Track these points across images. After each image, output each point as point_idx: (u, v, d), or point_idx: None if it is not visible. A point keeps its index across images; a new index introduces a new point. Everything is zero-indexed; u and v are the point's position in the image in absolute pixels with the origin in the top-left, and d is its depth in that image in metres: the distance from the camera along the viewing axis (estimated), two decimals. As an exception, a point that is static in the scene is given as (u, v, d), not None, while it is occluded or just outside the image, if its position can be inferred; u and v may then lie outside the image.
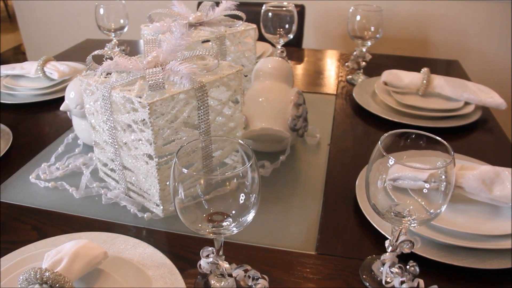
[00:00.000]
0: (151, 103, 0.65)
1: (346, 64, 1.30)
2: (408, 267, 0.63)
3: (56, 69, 1.16)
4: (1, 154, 0.91)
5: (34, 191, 0.83)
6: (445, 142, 0.58)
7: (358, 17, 1.18)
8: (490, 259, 0.66)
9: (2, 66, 1.23)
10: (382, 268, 0.64)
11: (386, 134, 0.60)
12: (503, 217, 0.73)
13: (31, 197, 0.82)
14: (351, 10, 1.20)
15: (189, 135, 0.74)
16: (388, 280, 0.63)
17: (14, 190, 0.83)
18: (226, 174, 0.53)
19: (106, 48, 1.29)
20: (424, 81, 1.07)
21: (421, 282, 0.61)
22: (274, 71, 0.93)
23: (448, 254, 0.67)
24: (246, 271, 0.60)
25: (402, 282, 0.61)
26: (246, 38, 1.03)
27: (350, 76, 1.30)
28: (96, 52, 0.78)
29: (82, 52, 1.60)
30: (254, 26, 1.00)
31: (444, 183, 0.58)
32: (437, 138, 0.59)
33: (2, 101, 1.16)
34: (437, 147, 0.60)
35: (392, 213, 0.60)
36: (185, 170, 0.52)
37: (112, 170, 0.82)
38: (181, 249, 0.70)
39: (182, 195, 0.54)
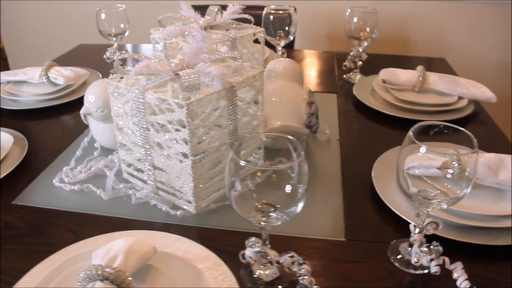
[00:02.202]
0: (189, 104, 0.68)
1: (344, 64, 1.36)
2: (431, 247, 0.69)
3: (61, 74, 1.17)
4: (20, 160, 0.91)
5: (60, 195, 0.84)
6: (468, 132, 0.63)
7: (355, 19, 1.25)
8: (502, 237, 0.72)
9: (2, 72, 1.23)
10: (409, 249, 0.70)
11: (415, 125, 0.65)
12: (506, 199, 0.80)
13: (59, 200, 0.83)
14: (348, 12, 1.26)
15: (219, 134, 0.77)
16: (415, 259, 0.68)
17: (39, 194, 0.84)
18: (280, 166, 0.56)
19: (107, 53, 1.31)
20: (420, 78, 1.15)
21: (447, 259, 0.67)
22: (286, 71, 0.98)
23: (465, 234, 0.73)
24: (291, 257, 0.64)
25: (431, 260, 0.66)
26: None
27: (347, 75, 1.36)
28: (120, 56, 0.80)
29: (77, 57, 1.60)
30: (263, 29, 1.04)
31: (458, 170, 0.64)
32: (460, 128, 0.64)
33: (6, 107, 1.16)
34: (457, 138, 0.65)
35: (420, 196, 0.66)
36: (243, 163, 0.55)
37: (138, 170, 0.85)
38: (216, 242, 0.73)
39: (239, 187, 0.57)
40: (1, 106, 1.16)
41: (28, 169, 0.92)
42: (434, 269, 0.66)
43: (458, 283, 0.65)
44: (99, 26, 1.29)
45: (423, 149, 0.62)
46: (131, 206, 0.82)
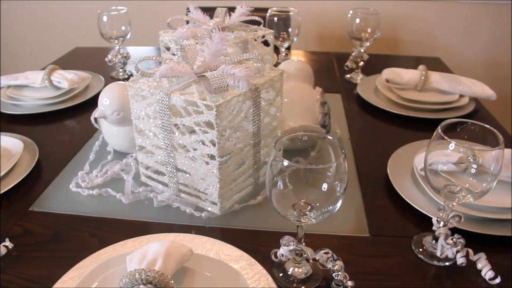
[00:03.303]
0: (218, 105, 0.68)
1: (346, 64, 1.38)
2: (455, 239, 0.71)
3: (65, 78, 1.15)
4: (33, 165, 0.90)
5: (78, 200, 0.84)
6: (494, 129, 0.65)
7: (357, 20, 1.27)
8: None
9: (2, 76, 1.20)
10: (433, 242, 0.72)
11: (444, 122, 0.67)
12: (520, 192, 0.83)
13: (78, 205, 0.82)
14: (350, 13, 1.29)
15: (243, 135, 0.78)
16: (441, 252, 0.70)
17: (56, 200, 0.83)
18: (323, 165, 0.57)
19: (109, 56, 1.30)
20: (422, 77, 1.18)
21: (470, 251, 0.69)
22: (298, 72, 0.99)
23: (483, 226, 0.75)
24: (326, 253, 0.65)
25: (457, 252, 0.69)
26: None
27: (349, 75, 1.39)
28: (144, 58, 0.80)
29: (74, 60, 1.58)
30: (272, 31, 1.05)
31: (475, 165, 0.67)
32: (486, 126, 0.66)
33: (7, 112, 1.13)
34: (482, 135, 0.67)
35: (446, 190, 0.68)
36: (286, 162, 0.56)
37: (159, 173, 0.84)
38: (243, 242, 0.73)
39: (281, 187, 0.58)
40: (2, 111, 1.14)
41: (41, 175, 0.90)
42: (461, 260, 0.68)
43: (483, 273, 0.67)
44: (100, 28, 1.28)
45: (452, 145, 0.64)
46: (153, 209, 0.81)
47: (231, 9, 1.06)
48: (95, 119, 0.97)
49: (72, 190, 0.85)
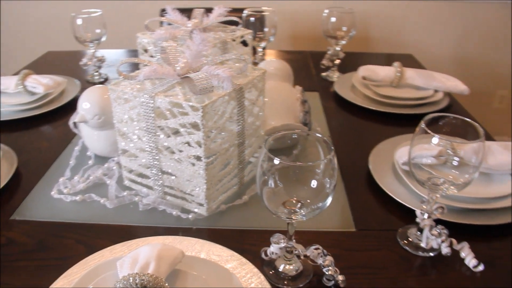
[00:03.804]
0: (204, 106, 0.68)
1: (322, 62, 1.40)
2: (439, 230, 0.73)
3: (40, 83, 1.13)
4: (12, 173, 0.87)
5: (61, 206, 0.82)
6: (475, 123, 0.67)
7: (332, 19, 1.29)
8: (498, 216, 0.78)
9: (-27, 83, 1.17)
10: (418, 234, 0.74)
11: (426, 117, 0.69)
12: (497, 182, 0.86)
13: (61, 212, 0.81)
14: (326, 12, 1.31)
15: (228, 135, 0.78)
16: (426, 243, 0.72)
17: (38, 208, 0.81)
18: (313, 163, 0.58)
19: (84, 60, 1.27)
20: (398, 74, 1.21)
21: (454, 241, 0.71)
22: (278, 71, 1.00)
23: (463, 216, 0.78)
24: (316, 249, 0.66)
25: (442, 242, 0.71)
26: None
27: (325, 74, 1.41)
28: (125, 61, 0.79)
29: (47, 65, 1.54)
30: (250, 31, 1.05)
31: (457, 157, 0.69)
32: (466, 119, 0.69)
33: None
34: (463, 128, 0.69)
35: (429, 183, 0.70)
36: (277, 160, 0.57)
37: (143, 176, 0.84)
38: (232, 242, 0.73)
39: (272, 185, 0.59)
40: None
41: (21, 183, 0.88)
42: (445, 250, 0.70)
43: (466, 261, 0.70)
44: (74, 32, 1.26)
45: (435, 139, 0.66)
46: (138, 213, 0.81)
47: (207, 10, 1.06)
48: (74, 123, 0.95)
49: (54, 197, 0.83)
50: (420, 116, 1.12)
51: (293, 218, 0.61)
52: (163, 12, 1.68)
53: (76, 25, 1.25)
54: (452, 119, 0.69)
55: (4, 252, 0.71)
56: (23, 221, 0.78)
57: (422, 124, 0.67)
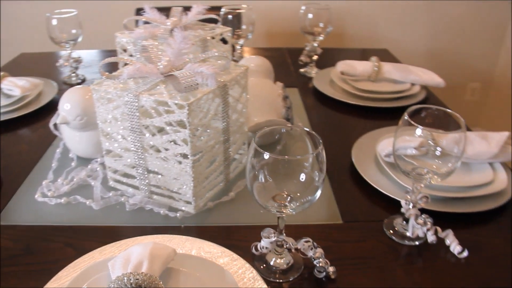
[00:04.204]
0: (190, 104, 0.68)
1: (300, 58, 1.41)
2: (424, 219, 0.75)
3: (16, 85, 1.11)
4: (-7, 178, 0.86)
5: (46, 210, 0.81)
6: (456, 113, 0.69)
7: (310, 15, 1.31)
8: (478, 204, 0.80)
9: None
10: (404, 223, 0.75)
11: (409, 109, 0.70)
12: (476, 171, 0.88)
13: (47, 215, 0.79)
14: (303, 9, 1.32)
15: (214, 132, 0.78)
16: (412, 232, 0.74)
17: (23, 212, 0.80)
18: (302, 156, 0.59)
19: (61, 61, 1.25)
20: (375, 68, 1.23)
21: (439, 229, 0.73)
22: (258, 68, 1.01)
23: (446, 205, 0.80)
24: (306, 242, 0.67)
25: (427, 230, 0.73)
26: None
27: (303, 69, 1.42)
28: (107, 60, 0.78)
29: (20, 67, 1.51)
30: (230, 28, 1.05)
31: (439, 148, 0.71)
32: (448, 110, 0.70)
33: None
34: (445, 119, 0.71)
35: (414, 173, 0.72)
36: (267, 155, 0.57)
37: (128, 176, 0.83)
38: (221, 239, 0.74)
39: (262, 180, 0.59)
40: None
41: (2, 187, 0.86)
42: (431, 238, 0.72)
43: (451, 248, 0.72)
44: (50, 33, 1.23)
45: (419, 130, 0.67)
46: (125, 213, 0.80)
47: (185, 9, 1.06)
48: (55, 125, 0.94)
49: (38, 200, 0.82)
50: (399, 109, 1.17)
51: (283, 211, 0.62)
52: (139, 11, 1.66)
53: (51, 25, 1.22)
54: (435, 110, 0.71)
55: (-9, 258, 0.70)
56: (7, 226, 0.77)
57: (406, 116, 0.69)
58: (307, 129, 0.63)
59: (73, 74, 1.33)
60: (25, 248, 0.72)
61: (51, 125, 0.94)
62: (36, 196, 0.83)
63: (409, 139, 0.75)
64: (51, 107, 1.17)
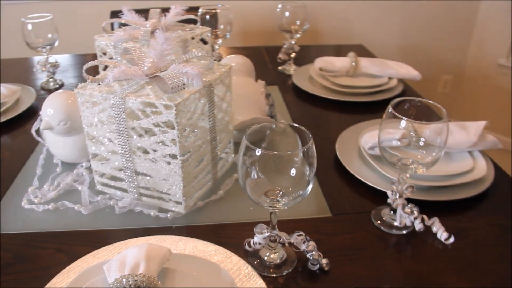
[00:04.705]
0: (177, 104, 0.69)
1: (278, 56, 1.43)
2: (411, 208, 0.77)
3: (-7, 93, 1.08)
4: (-25, 187, 0.84)
5: (34, 217, 0.79)
6: (438, 104, 0.72)
7: (286, 13, 1.32)
8: (461, 191, 0.83)
9: None
10: (391, 213, 0.77)
11: (394, 101, 0.72)
12: (456, 160, 0.91)
13: (35, 222, 0.78)
14: (279, 7, 1.34)
15: (201, 131, 0.79)
16: (399, 221, 0.76)
17: (9, 220, 0.78)
18: (293, 151, 0.60)
19: (38, 66, 1.23)
20: (353, 64, 1.25)
21: (425, 217, 0.76)
22: (240, 67, 1.01)
23: (430, 194, 0.82)
24: (299, 236, 0.68)
25: (415, 219, 0.75)
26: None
27: (282, 67, 1.43)
28: (90, 64, 0.78)
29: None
30: (209, 28, 1.06)
31: (422, 138, 0.73)
32: (430, 101, 0.73)
33: None
34: (428, 110, 0.73)
35: (400, 163, 0.74)
36: (259, 151, 0.58)
37: (116, 179, 0.83)
38: (213, 237, 0.74)
39: (254, 176, 0.60)
40: None
41: (-15, 196, 0.85)
42: (419, 226, 0.74)
43: (438, 235, 0.74)
44: (25, 38, 1.21)
45: (403, 122, 0.69)
46: (115, 216, 0.80)
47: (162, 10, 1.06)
48: (37, 131, 0.93)
49: (25, 207, 0.81)
50: (378, 103, 1.19)
51: (276, 206, 0.63)
52: (114, 15, 1.65)
53: (27, 30, 1.20)
54: (417, 102, 0.73)
55: (-21, 269, 0.69)
56: (-6, 235, 0.76)
57: (390, 109, 0.71)
58: (297, 125, 0.64)
59: (51, 79, 1.31)
60: (14, 256, 0.71)
61: (33, 131, 0.93)
62: (22, 203, 0.82)
63: (393, 131, 0.78)
64: (30, 113, 1.16)
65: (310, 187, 0.62)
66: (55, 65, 1.30)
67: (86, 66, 0.77)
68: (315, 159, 0.61)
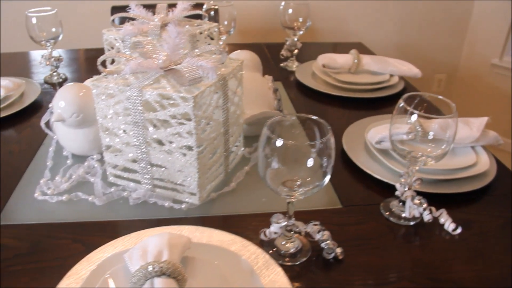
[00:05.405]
0: (195, 96, 0.70)
1: (281, 53, 1.45)
2: (420, 200, 0.79)
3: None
4: (-13, 179, 0.84)
5: (47, 208, 0.80)
6: (447, 99, 0.74)
7: (289, 10, 1.34)
8: (465, 185, 0.85)
9: None
10: (400, 205, 0.80)
11: (404, 96, 0.74)
12: (460, 154, 0.94)
13: (48, 213, 0.79)
14: (282, 4, 1.36)
15: (215, 124, 0.80)
16: (408, 212, 0.78)
17: (23, 211, 0.79)
18: (312, 142, 0.62)
19: (41, 59, 1.23)
20: (355, 61, 1.28)
21: (433, 208, 0.78)
22: (248, 62, 1.03)
23: (436, 187, 0.85)
24: (315, 225, 0.70)
25: (424, 210, 0.77)
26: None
27: (284, 64, 1.45)
28: (104, 57, 0.78)
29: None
30: (217, 24, 1.07)
31: (423, 132, 0.76)
32: (439, 97, 0.75)
33: None
34: (436, 105, 0.76)
35: (410, 156, 0.76)
36: (280, 142, 0.59)
37: (130, 171, 0.83)
38: (227, 228, 0.75)
39: (275, 166, 0.61)
40: None
41: (-3, 187, 0.85)
42: (427, 217, 0.77)
43: (445, 226, 0.76)
44: (29, 31, 1.21)
45: (414, 116, 0.71)
46: (129, 207, 0.81)
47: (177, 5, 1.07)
48: (46, 124, 0.93)
49: (38, 199, 0.81)
50: (379, 99, 1.22)
51: (294, 195, 0.64)
52: (114, 10, 1.65)
53: (31, 24, 1.20)
54: (427, 97, 0.75)
55: (-2, 258, 0.69)
56: (10, 226, 0.76)
57: (401, 103, 0.73)
58: (315, 117, 0.65)
59: (55, 73, 1.31)
60: (32, 246, 0.71)
61: (42, 123, 0.93)
62: (35, 195, 0.82)
63: (399, 126, 0.80)
64: (36, 106, 1.16)
65: (327, 178, 0.64)
66: (59, 59, 1.30)
67: (100, 59, 0.78)
68: (334, 150, 0.63)
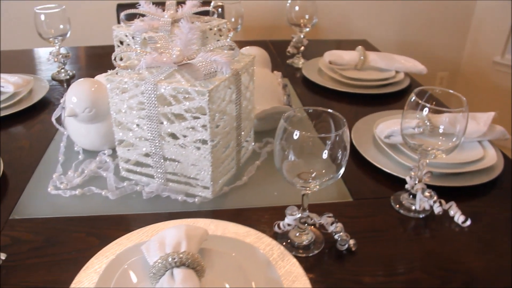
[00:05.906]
0: (210, 90, 0.71)
1: (287, 50, 1.46)
2: (430, 193, 0.80)
3: (8, 81, 1.09)
4: (0, 174, 0.84)
5: (60, 202, 0.81)
6: (458, 94, 0.75)
7: (296, 8, 1.36)
8: (474, 178, 0.86)
9: None
10: (410, 197, 0.81)
11: (416, 90, 0.75)
12: (468, 149, 0.95)
13: (62, 207, 0.79)
14: (289, 1, 1.37)
15: (229, 118, 0.81)
16: (419, 205, 0.79)
17: (37, 205, 0.80)
18: (328, 134, 0.63)
19: (50, 56, 1.24)
20: (361, 57, 1.29)
21: (443, 201, 0.79)
22: (258, 58, 1.03)
23: (444, 180, 0.86)
24: (329, 217, 0.71)
25: (434, 202, 0.78)
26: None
27: (290, 60, 1.47)
28: (118, 52, 0.79)
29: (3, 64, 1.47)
30: (225, 20, 1.08)
31: (430, 126, 0.77)
32: (450, 91, 0.76)
33: None
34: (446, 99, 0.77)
35: (421, 149, 0.77)
36: (297, 134, 0.60)
37: (142, 165, 0.84)
38: (240, 221, 0.75)
39: (292, 158, 0.62)
40: None
41: (10, 183, 0.85)
42: (438, 209, 0.78)
43: (455, 218, 0.77)
44: (37, 28, 1.21)
45: (426, 110, 0.72)
46: (142, 201, 0.81)
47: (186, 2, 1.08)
48: (57, 119, 0.94)
49: (52, 193, 0.82)
50: (386, 95, 1.23)
51: (308, 187, 0.65)
52: (120, 8, 1.66)
53: (39, 20, 1.21)
54: (438, 92, 0.76)
55: (13, 252, 0.69)
56: (24, 220, 0.76)
57: (413, 97, 0.74)
58: (331, 111, 0.66)
59: (62, 70, 1.32)
60: (47, 240, 0.72)
61: (53, 119, 0.94)
62: (49, 189, 0.83)
63: (408, 120, 0.81)
64: (44, 103, 1.16)
65: (342, 170, 0.65)
66: (66, 56, 1.30)
67: (115, 54, 0.78)
68: (349, 143, 0.64)
